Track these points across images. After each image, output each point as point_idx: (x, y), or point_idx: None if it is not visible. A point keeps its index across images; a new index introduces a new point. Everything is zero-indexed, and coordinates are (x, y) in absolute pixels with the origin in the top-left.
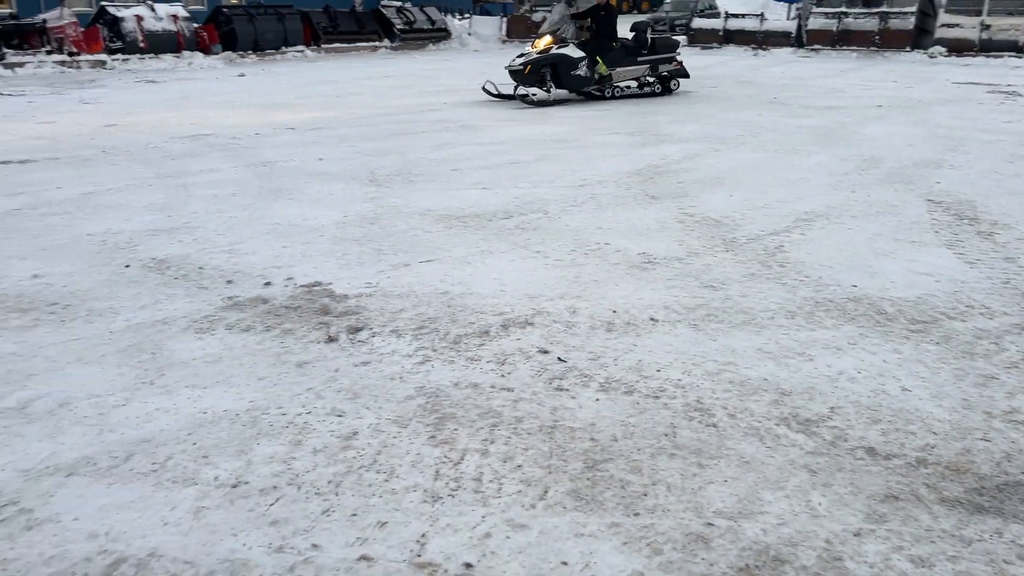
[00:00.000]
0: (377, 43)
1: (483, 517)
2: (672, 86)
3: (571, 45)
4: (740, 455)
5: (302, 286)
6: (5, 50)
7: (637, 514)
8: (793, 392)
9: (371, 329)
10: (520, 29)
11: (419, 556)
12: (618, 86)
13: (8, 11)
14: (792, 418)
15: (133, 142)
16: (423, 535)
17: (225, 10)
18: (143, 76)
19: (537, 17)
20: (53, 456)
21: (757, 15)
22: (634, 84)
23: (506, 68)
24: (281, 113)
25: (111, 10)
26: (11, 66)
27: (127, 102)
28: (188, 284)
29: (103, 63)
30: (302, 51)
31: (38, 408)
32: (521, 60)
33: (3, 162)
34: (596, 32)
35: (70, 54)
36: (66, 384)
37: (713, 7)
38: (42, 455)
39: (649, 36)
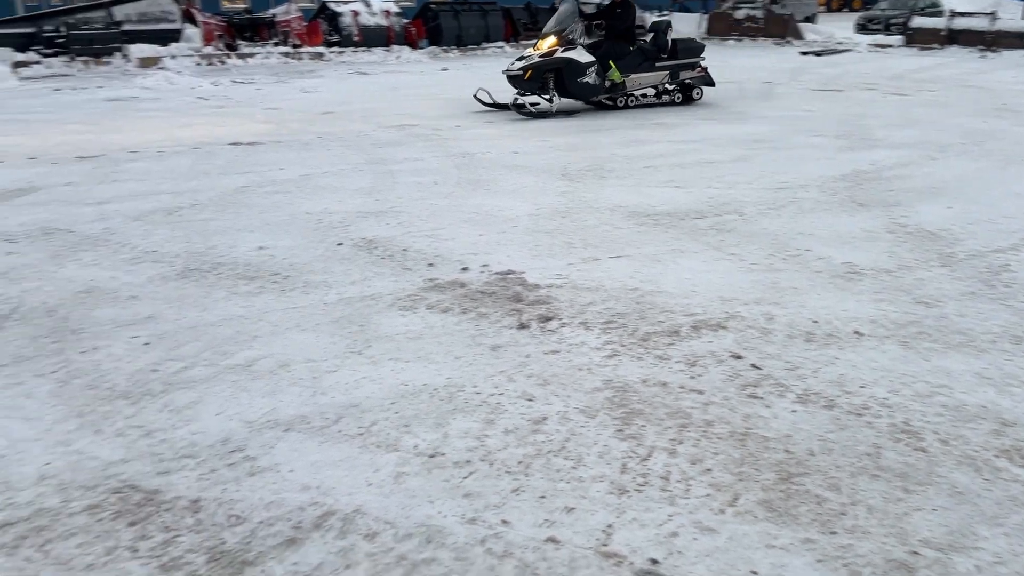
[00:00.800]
0: None
1: (670, 516)
2: (694, 95)
3: (579, 48)
4: (952, 484)
5: (497, 273)
6: (239, 42)
7: (834, 533)
8: (1017, 423)
9: (561, 319)
10: (722, 27)
11: (605, 545)
12: (633, 95)
13: (243, 6)
14: (1015, 451)
15: (346, 129)
16: (609, 525)
17: (433, 6)
18: (355, 68)
19: (741, 14)
20: (273, 412)
21: (987, 14)
22: (651, 92)
23: (504, 72)
24: (480, 107)
25: (331, 6)
26: (244, 56)
27: (341, 92)
28: (393, 264)
29: (321, 55)
30: (501, 47)
31: (262, 367)
32: (521, 64)
33: (235, 143)
34: (610, 33)
35: (294, 46)
36: (285, 348)
37: (936, 5)
38: (264, 410)
39: (670, 38)
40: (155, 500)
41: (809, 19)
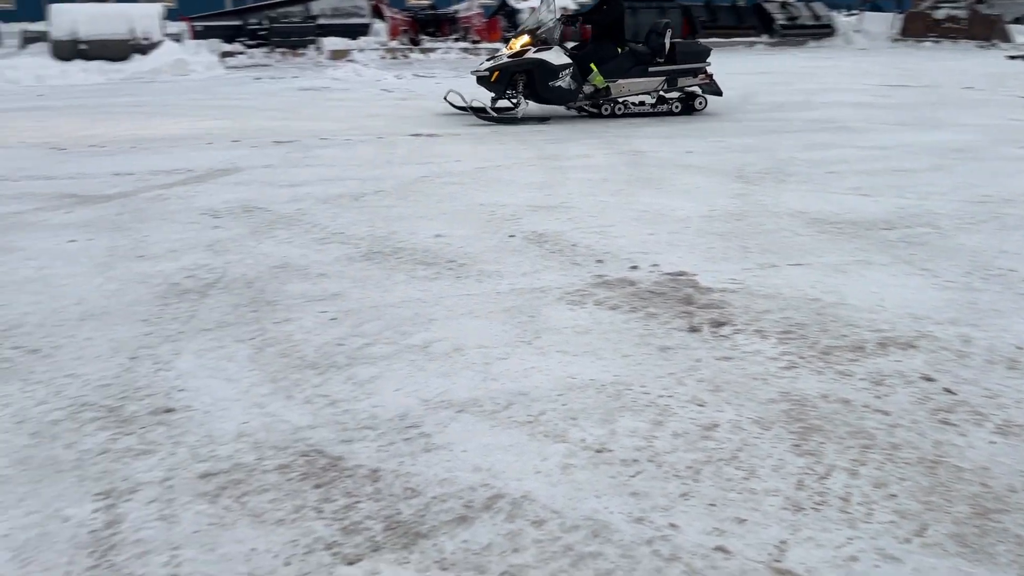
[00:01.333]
0: (755, 38)
1: (849, 539)
2: (697, 105)
3: (555, 48)
4: None
5: (667, 273)
6: (422, 37)
7: None
8: None
9: (734, 325)
10: (918, 27)
11: (778, 561)
12: (623, 102)
13: (427, 2)
14: None
15: (521, 125)
16: (783, 541)
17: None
18: None
19: (941, 14)
20: (447, 393)
21: None
22: (647, 100)
23: (472, 73)
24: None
25: (511, 3)
26: (426, 51)
27: None
28: (563, 259)
29: (497, 50)
30: None
31: (437, 349)
32: (490, 64)
33: (415, 135)
34: (597, 32)
35: (473, 42)
36: (459, 332)
37: None
38: (439, 390)
39: (667, 41)
40: (338, 466)
41: (1020, 20)
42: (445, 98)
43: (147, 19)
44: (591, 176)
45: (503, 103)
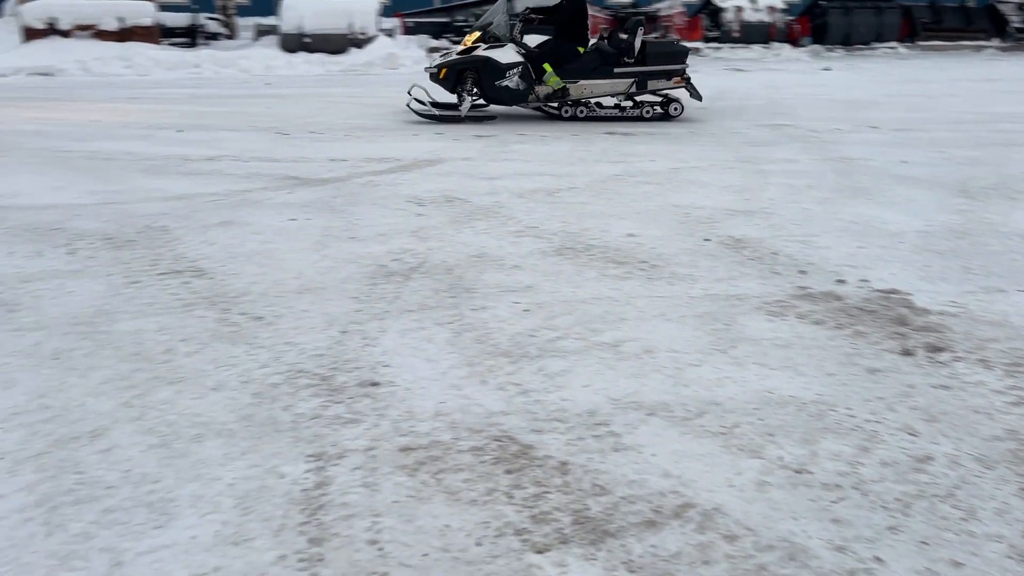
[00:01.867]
0: (984, 42)
1: None
2: (672, 111)
3: (508, 47)
4: None
5: (877, 290)
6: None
7: None
8: None
9: (954, 352)
10: None
11: None
12: (585, 104)
13: (628, 0)
14: None
15: (717, 125)
16: None
17: (822, 2)
18: (731, 64)
19: None
20: (636, 394)
21: None
22: (621, 103)
23: (425, 70)
24: (864, 110)
25: (716, 1)
26: None
27: (714, 87)
28: (761, 267)
29: (697, 50)
30: (894, 47)
31: (627, 349)
32: (440, 61)
33: (610, 133)
34: (558, 30)
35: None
36: (650, 334)
37: None
38: (628, 390)
39: (638, 40)
40: (529, 455)
41: None
42: (408, 106)
43: (364, 15)
44: (795, 182)
45: (473, 101)
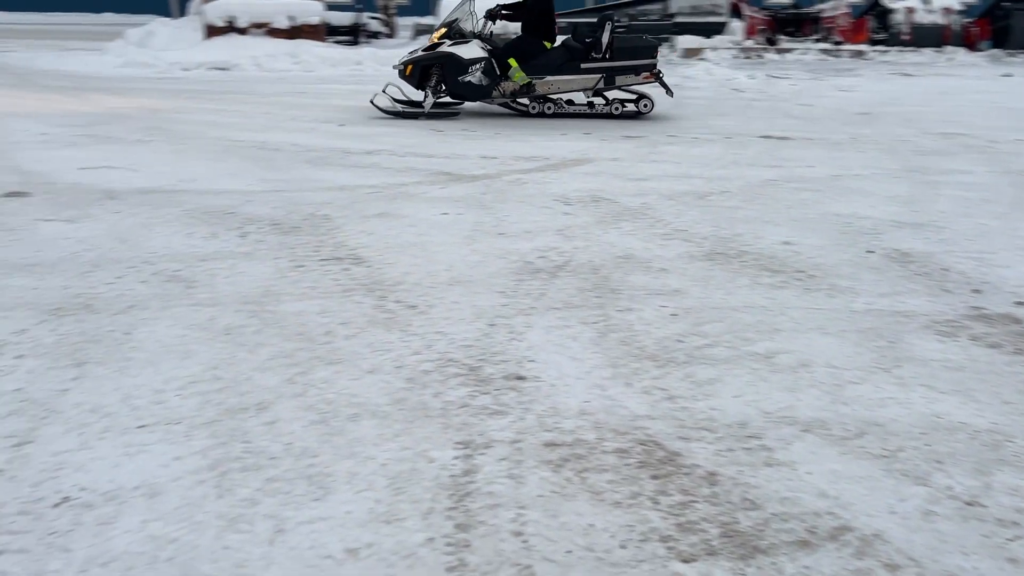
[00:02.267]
0: None
1: None
2: (641, 108)
3: (473, 43)
4: None
5: None
6: (779, 36)
7: None
8: None
9: None
10: None
11: None
12: (554, 100)
13: (790, 0)
14: None
15: (883, 132)
16: None
17: (1005, 3)
18: (898, 68)
19: None
20: (790, 409)
21: None
22: (584, 98)
23: (393, 67)
24: None
25: (885, 2)
26: (782, 51)
27: (880, 92)
28: (930, 283)
29: (862, 53)
30: None
31: (781, 361)
32: (407, 58)
33: (765, 136)
34: (525, 26)
35: (835, 43)
36: (807, 347)
37: None
38: (781, 404)
39: (606, 36)
40: (675, 462)
41: None
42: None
43: None
44: (969, 195)
45: (445, 99)
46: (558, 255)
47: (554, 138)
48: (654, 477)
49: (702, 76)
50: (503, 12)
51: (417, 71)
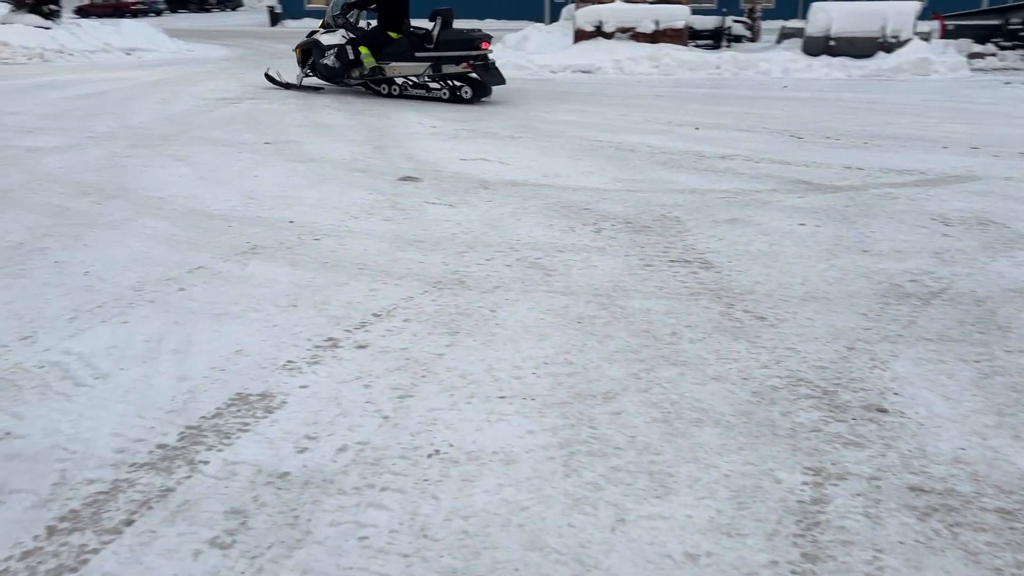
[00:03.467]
0: None
1: None
2: (463, 94)
3: (338, 32)
4: None
5: None
6: None
7: None
8: None
9: None
10: None
11: None
12: (398, 83)
13: None
14: None
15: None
16: None
17: None
18: None
19: None
20: None
21: None
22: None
23: (293, 50)
24: None
25: None
26: None
27: None
28: None
29: None
30: None
31: None
32: (297, 43)
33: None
34: (379, 17)
35: None
36: None
37: None
38: None
39: (435, 28)
40: None
41: None
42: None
43: (901, 17)
44: None
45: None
46: (933, 280)
47: (934, 151)
48: None
49: None
50: (350, 3)
51: (300, 54)
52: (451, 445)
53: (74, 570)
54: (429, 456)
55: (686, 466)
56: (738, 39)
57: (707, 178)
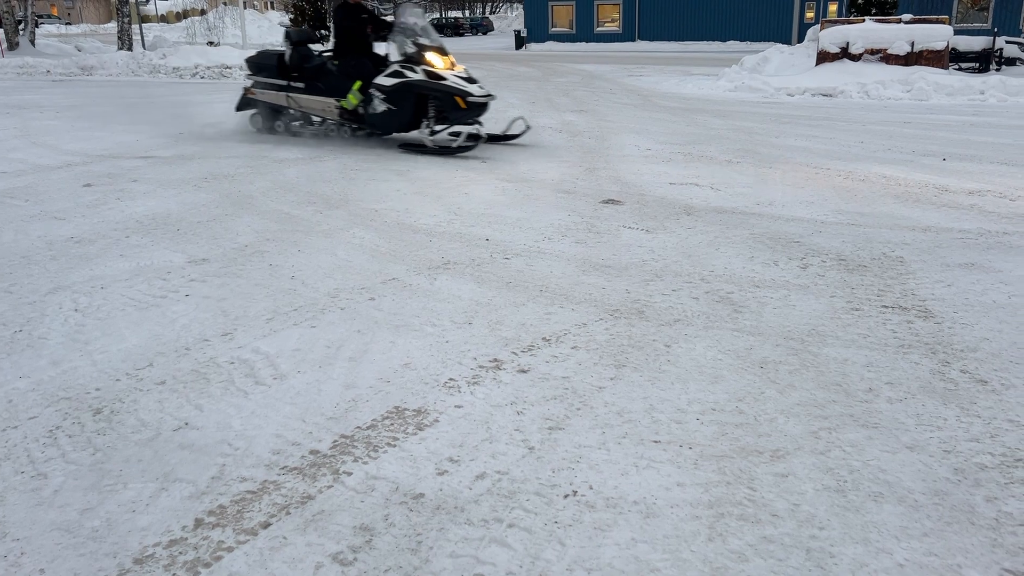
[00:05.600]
0: None
1: None
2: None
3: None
4: None
5: None
6: None
7: None
8: None
9: None
10: None
11: None
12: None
13: None
14: None
15: None
16: None
17: None
18: None
19: None
20: None
21: None
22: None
23: None
24: None
25: None
26: None
27: None
28: None
29: None
30: None
31: None
32: None
33: None
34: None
35: None
36: None
37: None
38: None
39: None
40: None
41: None
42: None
43: None
44: None
45: None
46: None
47: None
48: None
49: None
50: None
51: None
52: (591, 487)
53: (207, 565)
54: (565, 496)
55: (852, 547)
56: (1011, 62)
57: (946, 215)
